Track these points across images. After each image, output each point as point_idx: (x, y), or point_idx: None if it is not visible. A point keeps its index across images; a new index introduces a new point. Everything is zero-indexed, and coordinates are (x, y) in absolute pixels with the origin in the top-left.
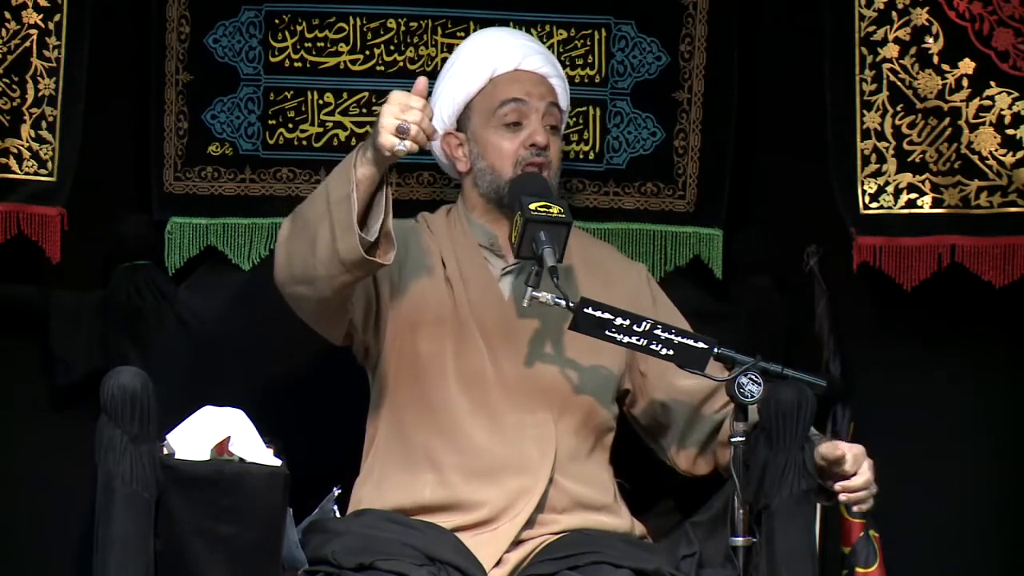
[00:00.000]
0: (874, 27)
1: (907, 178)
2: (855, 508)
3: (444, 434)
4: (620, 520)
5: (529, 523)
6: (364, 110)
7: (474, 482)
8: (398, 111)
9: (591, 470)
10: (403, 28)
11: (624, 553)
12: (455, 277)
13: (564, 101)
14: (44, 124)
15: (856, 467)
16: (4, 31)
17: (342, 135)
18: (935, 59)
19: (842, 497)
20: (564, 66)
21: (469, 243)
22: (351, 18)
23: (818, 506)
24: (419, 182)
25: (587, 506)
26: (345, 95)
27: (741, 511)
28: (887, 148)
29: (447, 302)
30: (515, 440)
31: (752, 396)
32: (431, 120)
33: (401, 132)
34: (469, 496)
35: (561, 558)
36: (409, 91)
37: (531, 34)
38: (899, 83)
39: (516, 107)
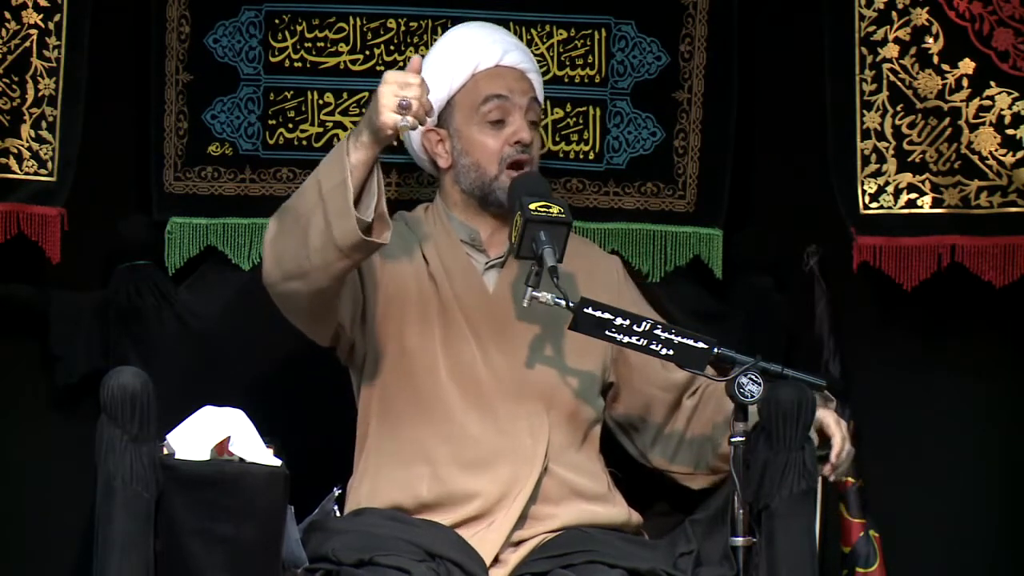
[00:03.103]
0: (874, 27)
1: (907, 178)
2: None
3: (436, 425)
4: (616, 509)
5: (525, 516)
6: (364, 110)
7: (468, 472)
8: (397, 88)
9: (583, 460)
10: (403, 28)
11: (620, 552)
12: (438, 272)
13: (541, 95)
14: (44, 124)
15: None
16: (4, 31)
17: (342, 135)
18: (935, 59)
19: (826, 471)
20: (564, 66)
21: (450, 239)
22: (351, 18)
23: (818, 506)
24: (419, 182)
25: (582, 495)
26: (345, 95)
27: (741, 511)
28: (887, 148)
29: (432, 297)
30: (508, 429)
31: (752, 396)
32: (428, 96)
33: (402, 108)
34: (464, 487)
35: (556, 556)
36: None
37: (531, 34)
38: (899, 83)
39: (499, 103)
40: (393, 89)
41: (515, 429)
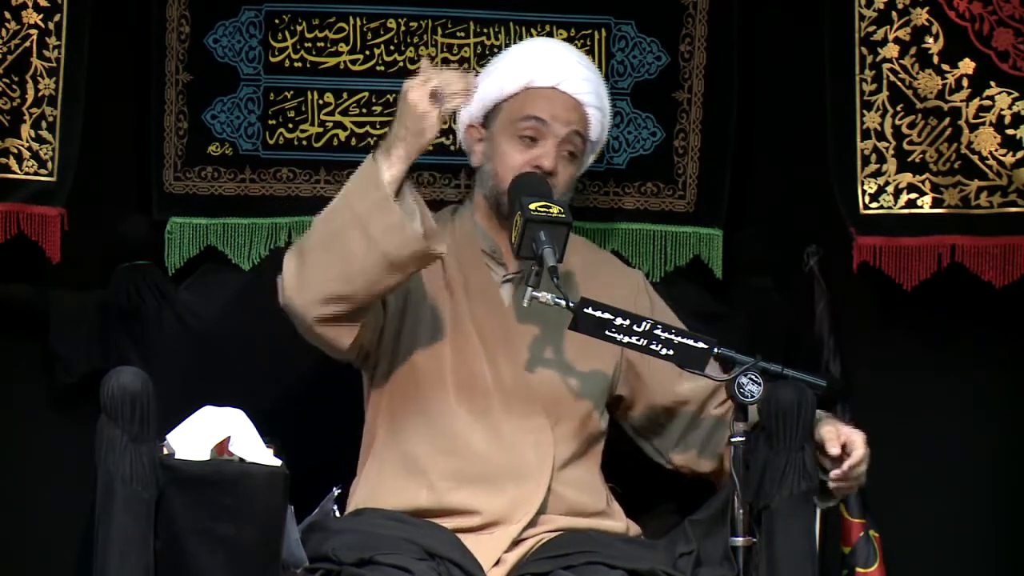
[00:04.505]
0: (874, 27)
1: (907, 178)
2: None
3: (440, 438)
4: (615, 523)
5: (527, 524)
6: (364, 110)
7: (471, 488)
8: (419, 85)
9: (584, 476)
10: (403, 28)
11: (619, 553)
12: (455, 281)
13: (595, 132)
14: (44, 124)
15: (849, 452)
16: (4, 31)
17: (342, 135)
18: (935, 59)
19: (832, 486)
20: None
21: (472, 248)
22: (351, 18)
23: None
24: (419, 182)
25: (581, 512)
26: (345, 95)
27: (741, 511)
28: (887, 148)
29: (446, 306)
30: (513, 446)
31: (752, 396)
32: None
33: (436, 99)
34: (464, 503)
35: (556, 557)
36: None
37: (531, 34)
38: (899, 83)
39: (536, 125)
40: (417, 93)
41: (520, 446)
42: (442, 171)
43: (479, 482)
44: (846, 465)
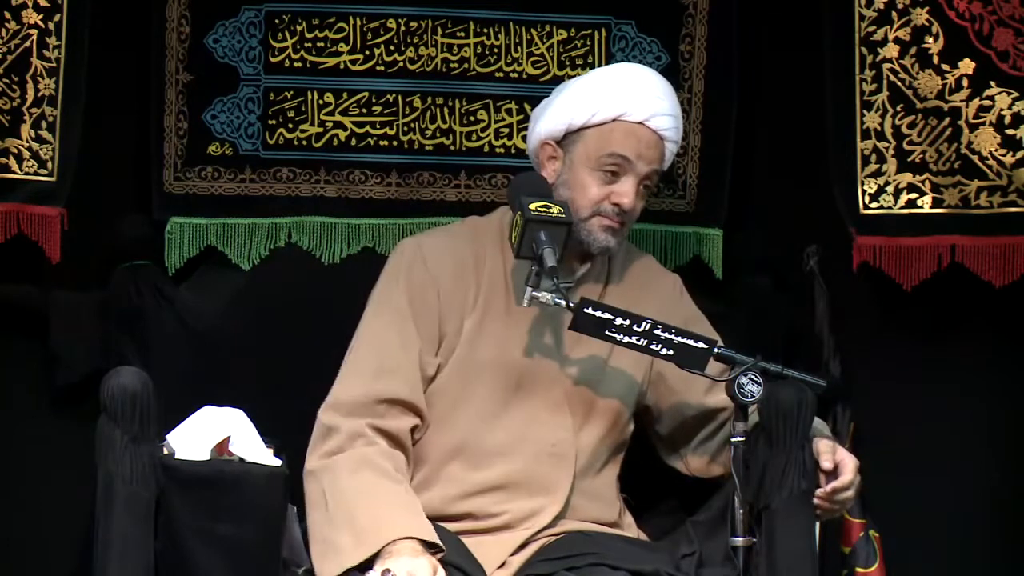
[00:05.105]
0: (874, 27)
1: (907, 178)
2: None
3: (463, 444)
4: (626, 534)
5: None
6: (364, 110)
7: (486, 497)
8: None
9: (601, 486)
10: (403, 28)
11: (622, 554)
12: (498, 284)
13: (667, 164)
14: (44, 124)
15: (843, 476)
16: (4, 31)
17: (342, 135)
18: (935, 59)
19: (816, 502)
20: (564, 66)
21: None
22: (351, 18)
23: None
24: (419, 182)
25: (594, 523)
26: (345, 95)
27: (741, 511)
28: (887, 148)
29: (484, 309)
30: (535, 457)
31: (752, 396)
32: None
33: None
34: (480, 509)
35: (559, 559)
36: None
37: (531, 34)
38: (899, 83)
39: (621, 162)
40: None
41: (542, 455)
42: (442, 171)
43: (495, 491)
44: (830, 486)
